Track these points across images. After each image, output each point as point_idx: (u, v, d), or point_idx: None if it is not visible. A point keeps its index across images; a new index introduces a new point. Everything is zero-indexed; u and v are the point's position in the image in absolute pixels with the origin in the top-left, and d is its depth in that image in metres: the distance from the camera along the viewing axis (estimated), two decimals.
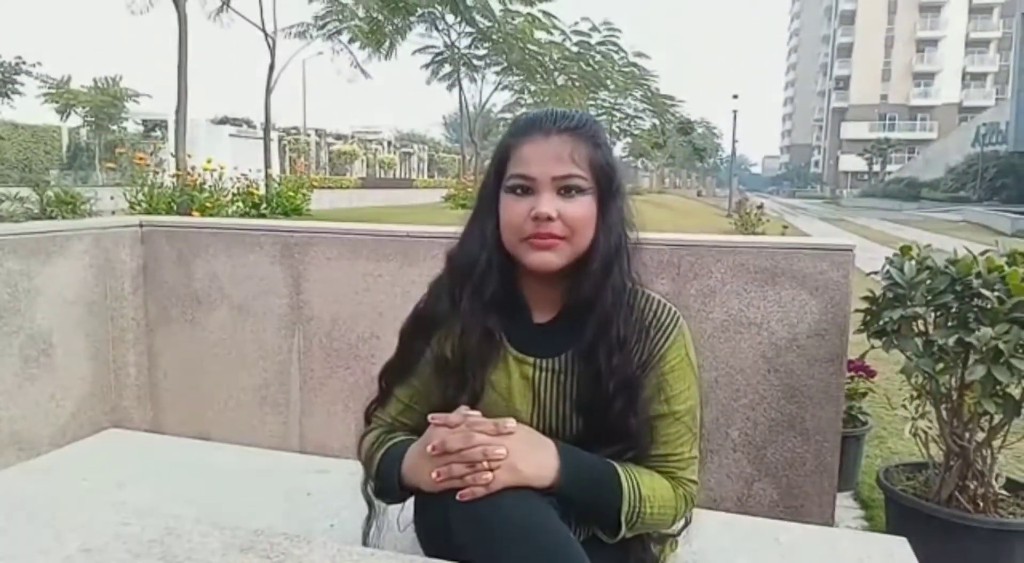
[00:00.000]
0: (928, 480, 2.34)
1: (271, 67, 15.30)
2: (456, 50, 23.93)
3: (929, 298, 2.06)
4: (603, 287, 1.18)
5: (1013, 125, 37.12)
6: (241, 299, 2.73)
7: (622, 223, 1.22)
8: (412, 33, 22.61)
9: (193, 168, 8.26)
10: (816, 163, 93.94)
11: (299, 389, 2.69)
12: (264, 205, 8.81)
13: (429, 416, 1.15)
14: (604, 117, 29.80)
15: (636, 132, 35.06)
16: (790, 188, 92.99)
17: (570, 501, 1.13)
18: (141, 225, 2.82)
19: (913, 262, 2.14)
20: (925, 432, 2.25)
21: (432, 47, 24.66)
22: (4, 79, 27.06)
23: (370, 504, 1.30)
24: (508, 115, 29.68)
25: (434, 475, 1.08)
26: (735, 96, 34.30)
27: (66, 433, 2.48)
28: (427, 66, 25.48)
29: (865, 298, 2.25)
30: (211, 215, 6.79)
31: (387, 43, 21.03)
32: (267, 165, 14.18)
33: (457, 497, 1.06)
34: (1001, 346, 1.89)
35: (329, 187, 22.97)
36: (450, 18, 22.59)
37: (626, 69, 30.07)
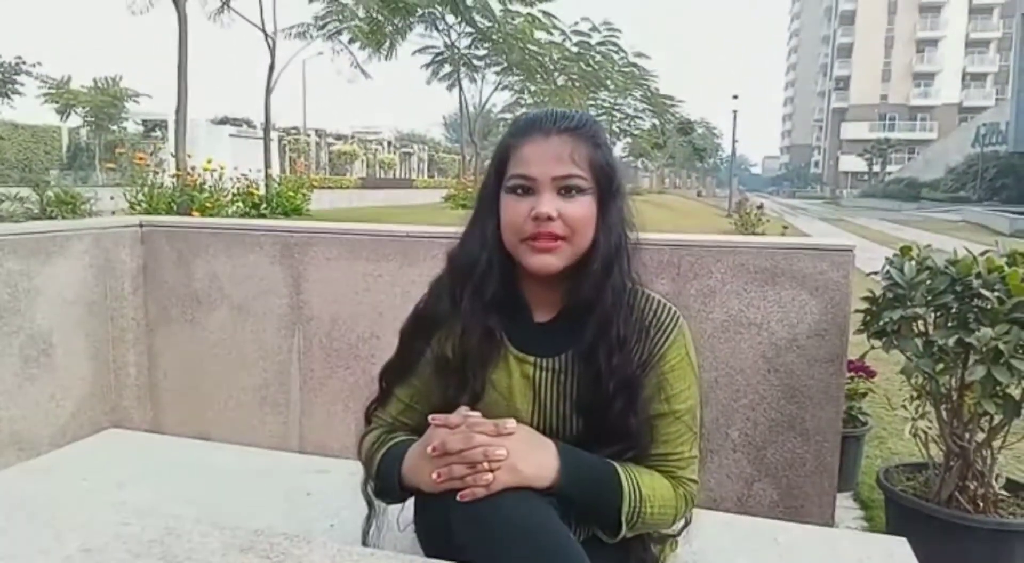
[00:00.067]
0: (928, 480, 2.34)
1: (271, 67, 15.30)
2: (456, 50, 23.93)
3: (929, 298, 2.06)
4: (603, 287, 1.18)
5: (1013, 125, 37.11)
6: (241, 299, 2.73)
7: (622, 223, 1.22)
8: (412, 33, 22.62)
9: (193, 168, 8.26)
10: (816, 163, 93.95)
11: (299, 389, 2.69)
12: (264, 205, 8.81)
13: (429, 417, 1.15)
14: (604, 117, 29.81)
15: (636, 132, 35.07)
16: (790, 188, 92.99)
17: (570, 501, 1.13)
18: (141, 225, 2.82)
19: (913, 262, 2.14)
20: (925, 432, 2.25)
21: (432, 47, 24.68)
22: (4, 79, 27.06)
23: (370, 504, 1.30)
24: (508, 115, 29.68)
25: (434, 476, 1.08)
26: (735, 96, 34.31)
27: (66, 433, 2.48)
28: (427, 66, 25.49)
29: (865, 298, 2.25)
30: (211, 215, 6.79)
31: (387, 43, 21.03)
32: (267, 165, 14.18)
33: (457, 498, 1.06)
34: (1001, 346, 1.89)
35: (329, 187, 22.97)
36: (450, 18, 22.59)
37: (626, 69, 30.08)
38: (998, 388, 1.95)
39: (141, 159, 8.06)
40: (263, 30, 15.24)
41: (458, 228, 1.29)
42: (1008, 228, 20.35)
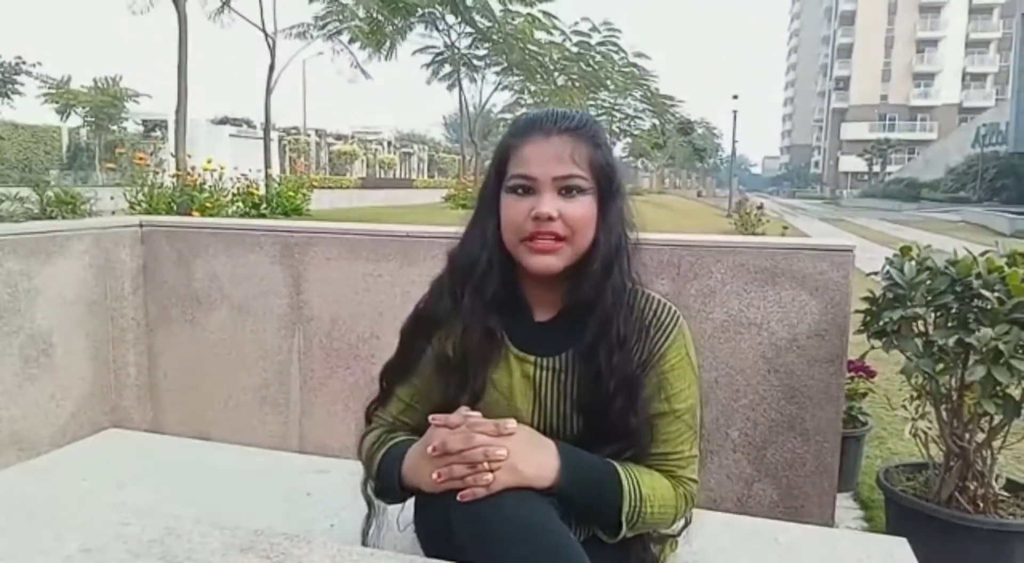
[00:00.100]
0: (928, 481, 2.34)
1: (271, 67, 15.30)
2: (456, 50, 23.93)
3: (929, 299, 2.06)
4: (603, 287, 1.19)
5: (1013, 126, 37.11)
6: (241, 299, 2.73)
7: (622, 223, 1.22)
8: (412, 33, 22.62)
9: (193, 168, 8.26)
10: (816, 163, 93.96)
11: (299, 389, 2.69)
12: (264, 205, 8.81)
13: (430, 417, 1.15)
14: (604, 117, 29.80)
15: (636, 132, 35.07)
16: (790, 188, 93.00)
17: (570, 501, 1.13)
18: (141, 225, 2.82)
19: (913, 263, 2.14)
20: (925, 433, 2.25)
21: (432, 47, 24.68)
22: (4, 79, 27.05)
23: (369, 504, 1.30)
24: (508, 115, 29.67)
25: (435, 476, 1.08)
26: (735, 96, 34.30)
27: (66, 433, 2.48)
28: (427, 66, 25.49)
29: (865, 299, 2.25)
30: (211, 215, 6.79)
31: (387, 43, 21.02)
32: (267, 165, 14.18)
33: (458, 498, 1.06)
34: (1001, 347, 1.89)
35: (329, 187, 22.97)
36: (450, 18, 22.59)
37: (626, 69, 30.08)
38: (998, 388, 1.95)
39: (141, 159, 8.06)
40: (263, 30, 15.24)
41: (458, 228, 1.29)
42: (1008, 228, 20.34)
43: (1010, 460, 2.91)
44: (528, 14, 23.42)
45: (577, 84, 27.07)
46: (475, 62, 25.20)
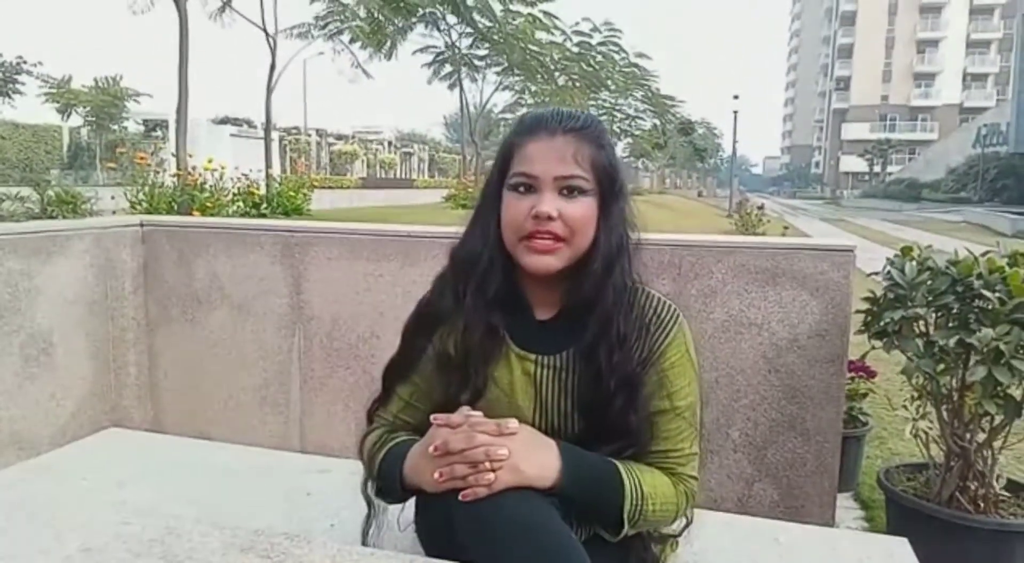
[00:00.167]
0: (929, 481, 2.34)
1: (272, 67, 15.31)
2: (457, 50, 23.93)
3: (930, 299, 2.06)
4: (604, 287, 1.19)
5: (1014, 126, 37.11)
6: (241, 299, 2.73)
7: (624, 224, 1.22)
8: (413, 33, 22.62)
9: (194, 168, 8.27)
10: (817, 164, 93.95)
11: (299, 389, 2.69)
12: (265, 205, 8.81)
13: (431, 417, 1.15)
14: (605, 117, 29.77)
15: (637, 132, 35.07)
16: (791, 189, 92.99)
17: (572, 501, 1.13)
18: (142, 225, 2.82)
19: (914, 263, 2.14)
20: (926, 433, 2.25)
21: (433, 47, 24.67)
22: (5, 79, 27.07)
23: (369, 504, 1.30)
24: (509, 115, 29.68)
25: (436, 475, 1.08)
26: (736, 96, 34.29)
27: (66, 432, 2.48)
28: (428, 66, 25.49)
29: (866, 299, 2.25)
30: (212, 215, 6.79)
31: (388, 43, 21.03)
32: (268, 165, 14.18)
33: (459, 497, 1.06)
34: (1002, 347, 1.89)
35: (330, 187, 22.96)
36: (451, 18, 22.59)
37: (627, 69, 30.09)
38: (999, 388, 1.95)
39: (142, 159, 8.06)
40: (264, 30, 15.25)
41: (459, 228, 1.29)
42: (1009, 229, 20.34)
43: (1011, 460, 2.91)
44: (529, 14, 23.42)
45: (578, 84, 27.07)
46: (476, 62, 25.20)
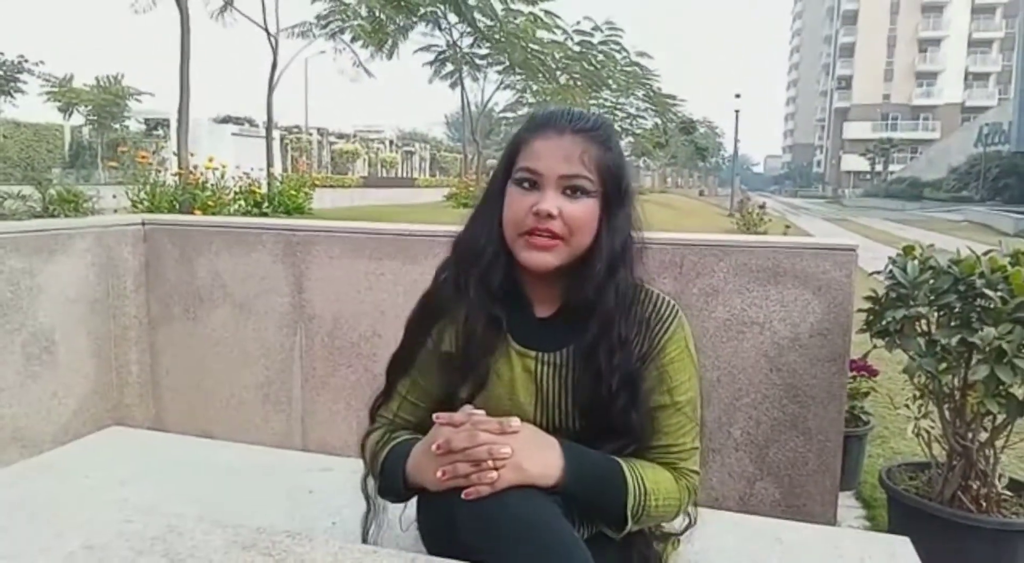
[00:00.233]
0: (931, 480, 2.34)
1: (273, 66, 15.29)
2: (458, 49, 23.90)
3: (932, 298, 2.06)
4: (606, 289, 1.19)
5: (1016, 125, 37.09)
6: (243, 297, 2.73)
7: (629, 226, 1.23)
8: (414, 32, 22.58)
9: (195, 167, 8.28)
10: (818, 163, 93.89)
11: (301, 387, 2.69)
12: (266, 204, 8.82)
13: (434, 415, 1.16)
14: (606, 117, 29.60)
15: (638, 131, 35.02)
16: (792, 188, 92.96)
17: (575, 499, 1.13)
18: (143, 223, 2.82)
19: (916, 262, 2.14)
20: (928, 432, 2.25)
21: (434, 46, 24.63)
22: (7, 77, 27.08)
23: (369, 501, 1.30)
24: (510, 114, 29.63)
25: (439, 474, 1.08)
26: (737, 95, 34.28)
27: (68, 431, 2.48)
28: (429, 65, 25.46)
29: (868, 298, 2.25)
30: (213, 213, 6.80)
31: (389, 42, 21.00)
32: (269, 164, 14.17)
33: (463, 496, 1.06)
34: (1004, 346, 1.88)
35: (331, 186, 22.95)
36: (452, 17, 22.57)
37: (628, 68, 30.04)
38: (1001, 388, 1.95)
39: (143, 157, 8.07)
40: (265, 29, 15.23)
41: (460, 227, 1.30)
42: (1012, 228, 20.33)
43: (1013, 459, 2.91)
44: (530, 13, 23.37)
45: (579, 83, 27.04)
46: (477, 61, 25.16)
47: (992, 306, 1.94)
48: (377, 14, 19.33)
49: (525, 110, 28.07)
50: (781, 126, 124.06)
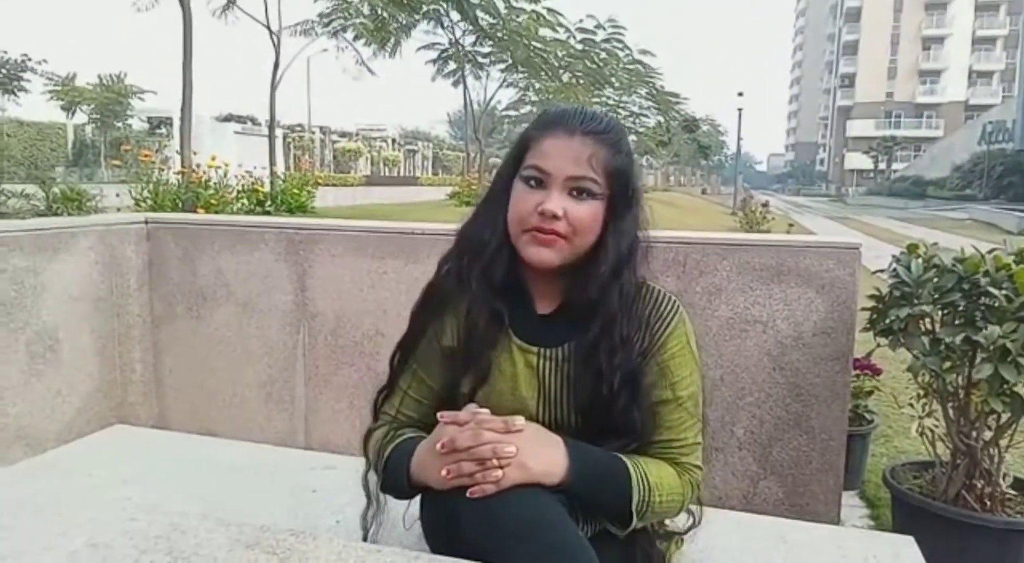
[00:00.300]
0: (935, 479, 2.33)
1: (276, 64, 15.28)
2: (460, 47, 23.88)
3: (936, 296, 2.05)
4: (610, 291, 1.20)
5: (1020, 123, 37.01)
6: (246, 296, 2.73)
7: (635, 227, 1.23)
8: (417, 30, 22.57)
9: (198, 165, 8.29)
10: (821, 161, 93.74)
11: (304, 386, 2.70)
12: (269, 202, 8.83)
13: (438, 414, 1.16)
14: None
15: (641, 130, 34.94)
16: (795, 186, 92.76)
17: (579, 497, 1.14)
18: (146, 222, 2.82)
19: (920, 260, 2.13)
20: (932, 431, 2.24)
21: (437, 44, 24.61)
22: (10, 76, 27.13)
23: (369, 498, 1.30)
24: (513, 113, 29.61)
25: (443, 472, 1.08)
26: (740, 93, 34.26)
27: (72, 429, 2.49)
28: (432, 62, 25.45)
29: (871, 296, 2.24)
30: (216, 212, 6.81)
31: (392, 40, 20.98)
32: (272, 162, 14.17)
33: (467, 494, 1.06)
34: (1009, 345, 1.88)
35: (334, 184, 22.98)
36: (455, 15, 22.55)
37: (631, 66, 29.98)
38: (1005, 386, 1.94)
39: (146, 156, 8.07)
40: (268, 27, 15.23)
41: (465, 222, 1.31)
42: (1015, 226, 20.25)
43: (1017, 458, 2.90)
44: (532, 11, 23.34)
45: (582, 81, 27.00)
46: (479, 59, 25.14)
47: (996, 304, 1.94)
48: (379, 12, 19.32)
49: (528, 109, 28.03)
50: (784, 124, 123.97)
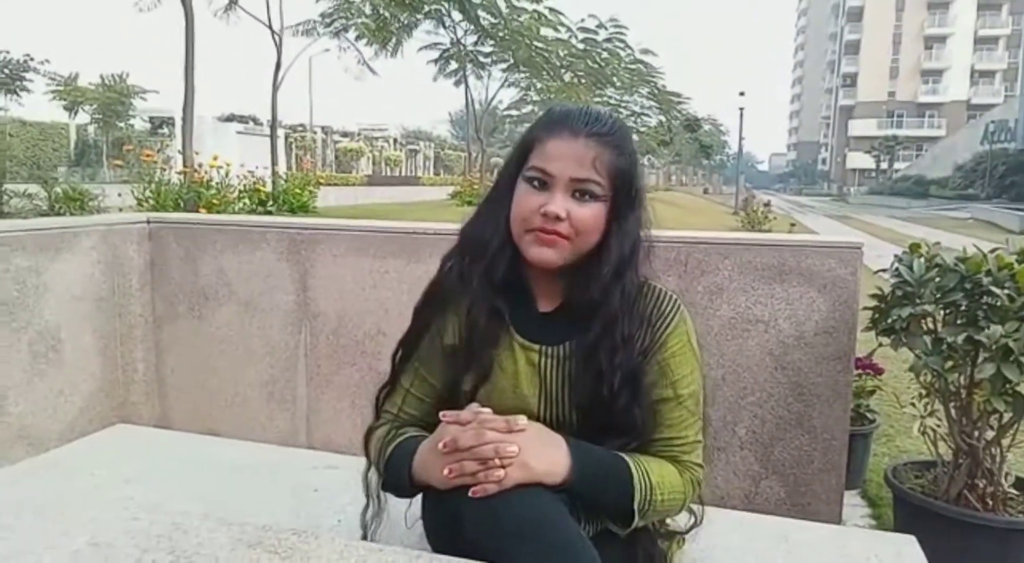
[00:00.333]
0: (937, 478, 2.33)
1: (278, 64, 15.29)
2: (462, 47, 23.88)
3: (938, 296, 2.05)
4: (612, 290, 1.20)
5: (1022, 122, 36.95)
6: (248, 295, 2.73)
7: (638, 228, 1.23)
8: (418, 30, 22.57)
9: (200, 165, 8.30)
10: (823, 160, 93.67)
11: (306, 385, 2.70)
12: (271, 202, 8.85)
13: (441, 414, 1.16)
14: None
15: (642, 129, 34.92)
16: (797, 185, 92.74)
17: (581, 496, 1.14)
18: (148, 222, 2.82)
19: (922, 260, 2.13)
20: (934, 430, 2.24)
21: (439, 44, 24.61)
22: (12, 76, 27.17)
23: (368, 497, 1.31)
24: (515, 112, 29.61)
25: (446, 472, 1.09)
26: (742, 93, 34.21)
27: (74, 428, 2.49)
28: (434, 62, 25.45)
29: (873, 296, 2.24)
30: (218, 212, 6.83)
31: (393, 40, 20.98)
32: (274, 162, 14.18)
33: (470, 493, 1.06)
34: (1011, 344, 1.88)
35: (335, 184, 23.01)
36: (456, 15, 22.54)
37: (632, 66, 29.96)
38: (1008, 386, 1.94)
39: (148, 156, 8.09)
40: (270, 27, 15.23)
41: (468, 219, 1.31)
42: (1018, 226, 20.21)
43: (1019, 458, 2.89)
44: (534, 10, 23.33)
45: (583, 81, 26.98)
46: (481, 59, 25.14)
47: (999, 304, 1.94)
48: (381, 12, 19.33)
49: (529, 108, 28.02)
50: (786, 124, 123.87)
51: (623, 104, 32.20)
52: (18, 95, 27.77)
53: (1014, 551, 2.13)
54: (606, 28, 27.19)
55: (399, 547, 1.05)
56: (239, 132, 23.04)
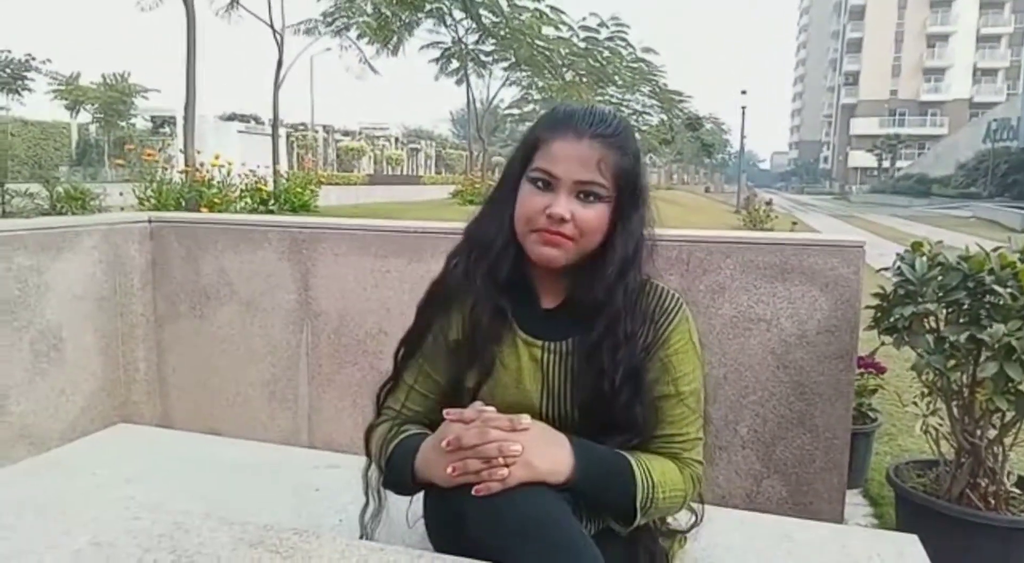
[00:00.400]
0: (939, 477, 2.33)
1: (279, 63, 15.30)
2: (463, 46, 23.87)
3: (941, 295, 2.04)
4: (615, 290, 1.20)
5: None
6: (249, 295, 2.73)
7: (642, 227, 1.23)
8: (420, 28, 22.57)
9: (202, 164, 8.30)
10: (825, 159, 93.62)
11: (307, 384, 2.70)
12: (272, 201, 8.86)
13: (444, 412, 1.16)
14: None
15: (644, 128, 34.87)
16: (799, 184, 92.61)
17: (584, 495, 1.14)
18: (150, 221, 2.82)
19: (924, 259, 2.13)
20: (936, 429, 2.24)
21: (440, 43, 24.61)
22: (14, 76, 27.20)
23: (368, 494, 1.30)
24: (516, 111, 29.60)
25: (449, 470, 1.09)
26: (743, 92, 34.27)
27: (76, 428, 2.49)
28: (435, 61, 25.44)
29: (876, 295, 2.24)
30: (219, 211, 6.83)
31: (395, 39, 20.98)
32: (275, 161, 14.20)
33: (473, 492, 1.06)
34: (1014, 343, 1.87)
35: (337, 183, 23.01)
36: (458, 14, 22.53)
37: (634, 65, 29.93)
38: (1010, 385, 1.94)
39: (150, 155, 8.09)
40: (271, 26, 15.25)
41: (468, 223, 1.31)
42: (1020, 224, 20.18)
43: (1022, 457, 2.89)
44: (535, 9, 23.31)
45: (585, 80, 26.96)
46: (482, 57, 25.12)
47: (1001, 303, 1.93)
48: (382, 11, 19.34)
49: (531, 107, 28.01)
50: (788, 122, 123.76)
51: (624, 103, 32.17)
52: (20, 94, 27.81)
53: (1016, 550, 2.12)
54: (607, 27, 27.16)
55: (400, 546, 1.05)
56: (240, 131, 23.04)
